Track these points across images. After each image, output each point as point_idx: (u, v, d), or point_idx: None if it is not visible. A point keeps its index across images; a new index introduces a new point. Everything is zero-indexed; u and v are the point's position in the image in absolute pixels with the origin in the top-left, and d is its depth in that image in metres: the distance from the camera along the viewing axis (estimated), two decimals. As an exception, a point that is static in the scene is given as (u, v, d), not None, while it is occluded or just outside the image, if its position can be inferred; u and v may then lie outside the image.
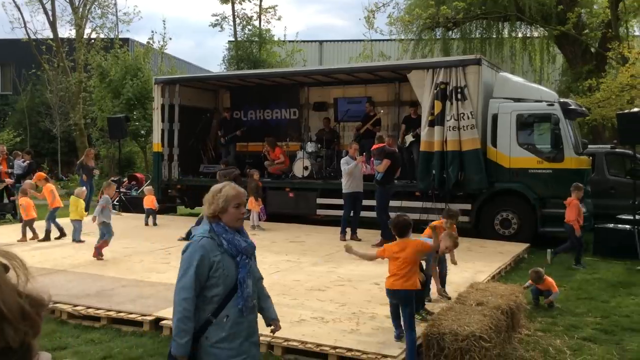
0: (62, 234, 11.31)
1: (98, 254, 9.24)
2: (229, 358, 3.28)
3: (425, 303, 6.35)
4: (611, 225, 11.24)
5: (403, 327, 5.23)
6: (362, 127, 14.66)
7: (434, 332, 5.02)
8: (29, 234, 11.15)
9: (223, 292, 3.28)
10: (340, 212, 12.04)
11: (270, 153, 15.26)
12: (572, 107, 12.08)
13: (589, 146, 13.63)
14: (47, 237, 11.21)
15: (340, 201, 11.98)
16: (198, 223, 6.47)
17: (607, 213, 12.39)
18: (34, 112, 30.33)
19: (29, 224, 11.19)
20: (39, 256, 9.52)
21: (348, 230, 11.52)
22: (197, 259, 3.24)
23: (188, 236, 11.09)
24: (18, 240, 11.03)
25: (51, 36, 28.67)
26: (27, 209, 11.21)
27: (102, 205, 9.53)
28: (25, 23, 31.16)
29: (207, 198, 3.46)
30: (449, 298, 6.70)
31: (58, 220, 11.55)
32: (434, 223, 6.50)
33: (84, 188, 12.63)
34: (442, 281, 7.07)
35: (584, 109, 13.73)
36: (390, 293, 5.26)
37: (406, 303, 5.14)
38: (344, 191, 11.51)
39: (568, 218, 9.83)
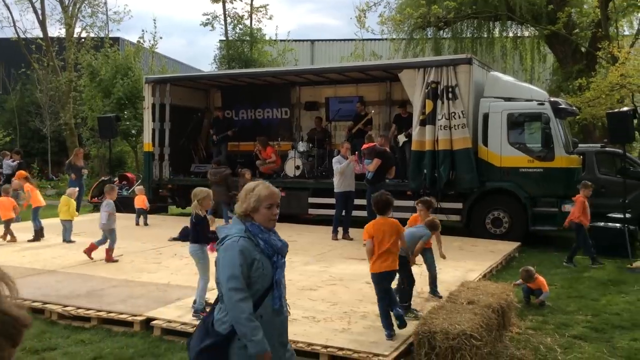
0: (41, 234, 11.25)
1: (111, 257, 9.12)
2: None
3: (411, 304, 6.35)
4: (602, 224, 11.30)
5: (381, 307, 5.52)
6: (354, 126, 14.68)
7: (425, 330, 5.02)
8: (8, 234, 11.01)
9: (261, 290, 3.23)
10: (332, 212, 12.04)
11: (262, 152, 15.24)
12: (563, 106, 12.14)
13: (580, 145, 13.69)
14: (37, 237, 11.14)
15: (332, 200, 11.98)
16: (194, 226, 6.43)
17: (598, 212, 12.43)
18: (24, 112, 30.17)
19: (5, 224, 11.10)
20: (29, 256, 9.46)
21: (340, 229, 11.52)
22: (240, 258, 3.18)
23: (180, 236, 11.04)
24: (7, 241, 10.94)
25: (41, 35, 28.53)
26: (4, 209, 11.10)
27: (108, 212, 9.26)
28: (14, 22, 31.10)
29: (240, 196, 3.41)
30: (441, 297, 6.70)
31: (44, 220, 11.48)
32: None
33: (76, 189, 12.56)
34: (433, 282, 7.07)
35: (574, 108, 13.79)
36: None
37: (378, 283, 5.54)
38: (335, 190, 11.51)
39: (572, 216, 9.81)
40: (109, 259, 9.08)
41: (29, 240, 11.04)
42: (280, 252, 3.32)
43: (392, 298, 5.68)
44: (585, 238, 9.86)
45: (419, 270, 6.93)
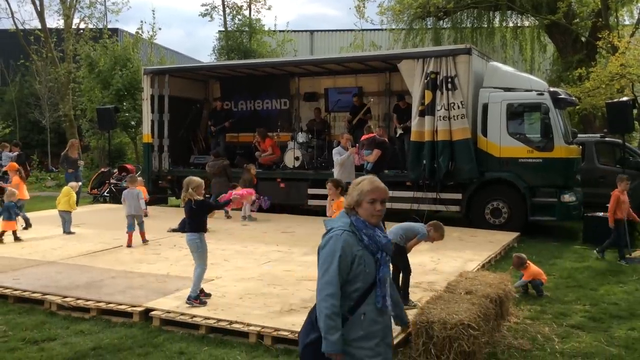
0: (28, 225, 11.39)
1: (144, 239, 9.98)
2: (366, 358, 3.14)
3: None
4: (601, 214, 11.28)
5: None
6: (353, 119, 14.66)
7: (423, 320, 5.03)
8: None
9: (362, 288, 3.14)
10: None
11: (261, 144, 15.23)
12: (562, 96, 12.11)
13: (579, 135, 13.68)
14: (27, 225, 11.35)
15: (331, 191, 11.95)
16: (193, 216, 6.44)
17: (597, 202, 12.45)
18: (23, 104, 30.13)
19: None
20: (29, 248, 9.48)
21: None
22: (339, 252, 3.09)
23: (180, 228, 11.06)
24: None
25: (39, 26, 28.40)
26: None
27: (142, 198, 10.16)
28: (12, 13, 31.10)
29: (349, 189, 3.36)
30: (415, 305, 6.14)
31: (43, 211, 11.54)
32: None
33: (79, 183, 12.67)
34: (405, 290, 6.42)
35: (573, 98, 13.76)
36: None
37: None
38: (335, 181, 11.49)
39: (610, 212, 9.60)
40: (143, 238, 10.01)
41: (24, 228, 11.17)
42: (384, 249, 3.23)
43: None
44: (620, 233, 9.59)
45: (417, 261, 6.94)
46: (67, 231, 10.86)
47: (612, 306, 6.91)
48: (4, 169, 12.92)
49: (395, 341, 5.15)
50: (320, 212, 13.52)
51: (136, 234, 9.85)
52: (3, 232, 10.13)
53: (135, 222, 9.87)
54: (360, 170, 11.70)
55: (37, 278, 7.37)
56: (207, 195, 14.19)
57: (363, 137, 11.12)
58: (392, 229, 6.42)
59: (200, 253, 6.38)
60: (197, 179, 6.47)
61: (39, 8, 27.92)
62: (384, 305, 3.19)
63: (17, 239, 10.12)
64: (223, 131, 16.26)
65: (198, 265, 6.35)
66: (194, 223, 6.40)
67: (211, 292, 6.54)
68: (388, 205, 10.99)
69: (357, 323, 3.14)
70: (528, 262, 7.52)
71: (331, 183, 7.20)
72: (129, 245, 9.63)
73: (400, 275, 6.30)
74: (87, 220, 12.21)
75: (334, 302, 3.06)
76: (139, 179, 14.06)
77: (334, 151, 11.61)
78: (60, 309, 6.39)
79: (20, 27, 29.02)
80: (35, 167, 26.45)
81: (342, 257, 3.09)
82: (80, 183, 12.31)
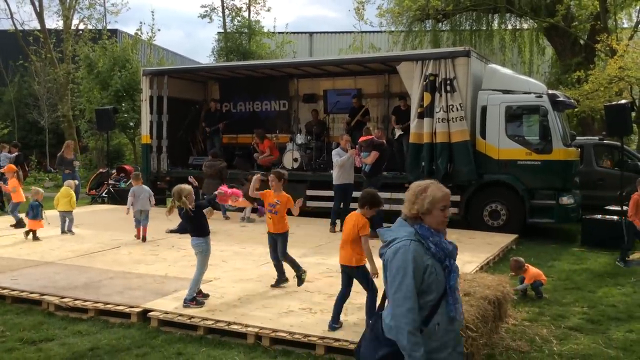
0: (21, 226, 11.45)
1: (144, 236, 10.29)
2: None
3: None
4: (599, 216, 11.32)
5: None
6: (352, 120, 14.67)
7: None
8: None
9: (435, 298, 3.05)
10: (329, 204, 12.04)
11: (259, 145, 15.22)
12: (561, 98, 12.13)
13: (577, 138, 13.70)
14: (19, 225, 11.44)
15: (330, 193, 11.98)
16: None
17: (595, 204, 12.48)
18: (22, 104, 30.10)
19: None
20: (27, 248, 9.47)
21: (338, 222, 11.52)
22: (412, 264, 2.98)
23: (179, 229, 11.04)
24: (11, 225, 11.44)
25: (38, 27, 28.40)
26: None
27: (151, 194, 10.70)
28: (11, 14, 31.10)
29: (407, 196, 3.21)
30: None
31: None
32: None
33: (75, 180, 12.74)
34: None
35: (572, 100, 13.78)
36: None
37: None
38: (334, 183, 11.51)
39: (629, 214, 9.49)
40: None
41: (11, 225, 11.43)
42: (451, 256, 3.13)
43: None
44: (631, 236, 9.51)
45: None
46: (69, 230, 10.91)
47: (610, 308, 6.91)
48: (2, 170, 12.94)
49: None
50: (319, 213, 13.56)
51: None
52: (30, 231, 10.29)
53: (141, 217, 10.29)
54: (358, 172, 11.72)
55: (35, 278, 7.36)
56: (204, 196, 14.23)
57: (361, 139, 11.11)
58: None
59: (204, 256, 6.39)
60: (187, 187, 6.49)
61: (38, 9, 27.95)
62: (457, 314, 3.11)
63: (35, 238, 10.23)
64: (217, 132, 16.26)
65: (198, 269, 6.35)
66: (197, 228, 6.41)
67: (209, 293, 6.55)
68: (386, 207, 11.12)
69: (432, 334, 3.05)
70: (526, 264, 7.52)
71: (274, 175, 7.19)
72: (141, 237, 10.18)
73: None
74: (86, 221, 12.20)
75: (414, 317, 2.96)
76: (139, 175, 14.15)
77: (333, 152, 11.62)
78: (58, 309, 6.38)
79: (19, 27, 29.03)
80: (33, 167, 26.42)
81: (415, 269, 2.98)
82: (76, 181, 12.32)
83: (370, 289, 5.51)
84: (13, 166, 12.82)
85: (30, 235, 10.23)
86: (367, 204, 5.58)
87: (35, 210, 10.34)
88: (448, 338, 3.09)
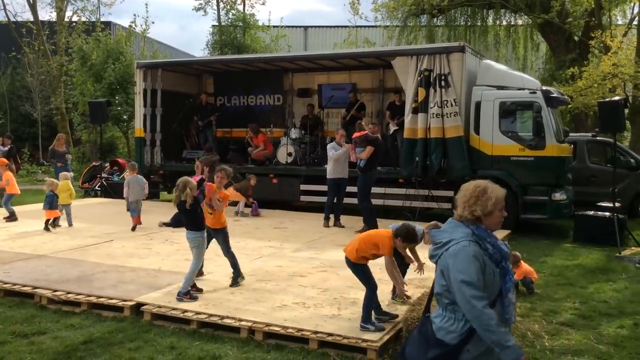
0: (13, 218, 11.54)
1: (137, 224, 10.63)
2: None
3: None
4: (591, 213, 11.37)
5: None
6: (348, 115, 14.67)
7: (414, 317, 5.06)
8: None
9: (491, 298, 3.02)
10: (323, 199, 12.05)
11: (254, 139, 15.21)
12: (554, 95, 12.15)
13: (571, 134, 13.74)
14: (12, 218, 11.48)
15: (324, 187, 11.98)
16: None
17: (588, 200, 12.53)
18: (15, 96, 29.93)
19: None
20: (19, 241, 9.43)
21: (332, 216, 11.54)
22: (475, 264, 2.97)
23: (172, 222, 11.03)
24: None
25: (31, 19, 28.21)
26: None
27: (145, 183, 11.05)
28: (4, 5, 30.85)
29: (463, 197, 3.17)
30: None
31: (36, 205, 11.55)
32: None
33: (70, 173, 12.74)
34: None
35: (566, 97, 13.81)
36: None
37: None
38: (328, 177, 11.51)
39: None
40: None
41: (4, 218, 11.40)
42: (507, 258, 3.12)
43: None
44: None
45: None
46: (70, 223, 10.91)
47: (601, 304, 6.96)
48: None
49: (386, 337, 5.19)
50: (313, 208, 13.57)
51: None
52: (47, 221, 10.46)
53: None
54: (352, 166, 11.72)
55: (28, 272, 7.34)
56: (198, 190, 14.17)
57: (355, 135, 11.10)
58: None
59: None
60: (193, 180, 6.48)
61: (31, 0, 27.73)
62: (511, 316, 3.09)
63: (46, 229, 10.41)
64: (210, 125, 16.23)
65: (193, 262, 6.35)
66: (193, 222, 6.40)
67: (203, 287, 6.55)
68: (380, 202, 11.18)
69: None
70: (523, 263, 7.55)
71: (223, 172, 7.13)
72: (136, 226, 10.49)
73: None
74: (78, 214, 12.14)
75: (492, 313, 2.94)
76: (134, 165, 14.16)
77: (328, 146, 11.62)
78: (50, 302, 6.36)
79: (12, 19, 28.84)
80: (26, 160, 26.30)
81: (477, 269, 2.98)
82: (71, 173, 12.32)
83: (370, 286, 5.51)
84: (4, 160, 12.77)
85: (50, 224, 10.50)
86: (402, 237, 5.51)
87: (51, 200, 10.53)
88: None
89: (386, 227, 6.46)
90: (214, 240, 7.00)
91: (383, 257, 5.64)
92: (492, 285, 3.03)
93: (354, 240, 5.75)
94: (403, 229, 5.54)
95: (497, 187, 3.16)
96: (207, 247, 6.74)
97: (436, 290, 3.17)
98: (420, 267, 5.98)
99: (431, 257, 3.20)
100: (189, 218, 6.42)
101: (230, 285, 6.78)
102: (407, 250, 5.99)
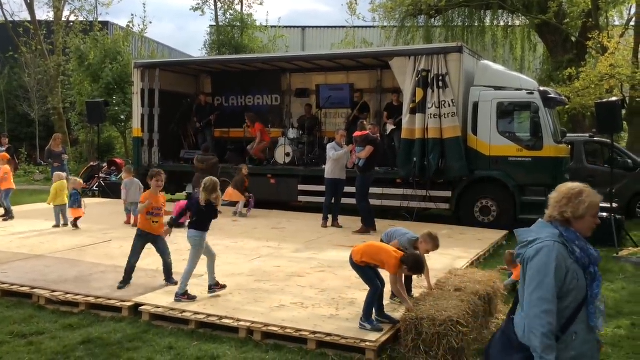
0: (10, 216, 11.53)
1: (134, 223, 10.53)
2: None
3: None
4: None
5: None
6: (351, 114, 14.69)
7: (412, 317, 5.07)
8: None
9: (574, 304, 2.93)
10: (321, 199, 12.06)
11: (251, 129, 15.19)
12: (552, 95, 12.18)
13: (568, 135, 13.77)
14: (8, 216, 11.50)
15: (322, 188, 11.99)
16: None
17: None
18: (12, 96, 29.88)
19: None
20: (17, 241, 9.41)
21: (330, 217, 11.54)
22: (554, 265, 2.88)
23: (171, 222, 11.02)
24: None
25: (29, 18, 28.16)
26: None
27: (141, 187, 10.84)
28: (1, 5, 30.56)
29: (556, 198, 3.10)
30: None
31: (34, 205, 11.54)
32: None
33: (63, 173, 12.65)
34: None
35: (563, 97, 13.85)
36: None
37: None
38: (326, 176, 11.49)
39: None
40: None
41: (1, 217, 11.42)
42: (595, 263, 3.02)
43: None
44: None
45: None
46: (66, 223, 10.92)
47: (599, 304, 6.96)
48: None
49: (384, 338, 5.19)
50: (311, 208, 13.57)
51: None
52: (76, 219, 10.61)
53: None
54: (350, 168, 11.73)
55: (26, 272, 7.33)
56: (195, 190, 14.17)
57: (356, 133, 11.10)
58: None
59: (197, 250, 6.38)
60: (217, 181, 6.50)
61: (28, 0, 27.67)
62: (598, 323, 2.98)
63: (75, 226, 10.58)
64: (209, 125, 16.22)
65: (189, 263, 6.35)
66: (200, 222, 6.40)
67: (200, 288, 6.52)
68: (377, 202, 11.21)
69: (568, 343, 2.93)
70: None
71: (160, 177, 7.37)
72: (131, 223, 10.62)
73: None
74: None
75: (551, 320, 2.85)
76: (130, 169, 14.12)
77: (328, 146, 11.62)
78: (48, 303, 6.35)
79: (9, 18, 28.75)
80: (23, 160, 26.25)
81: (557, 270, 2.88)
82: (63, 173, 12.26)
83: (372, 286, 5.51)
84: (6, 154, 12.78)
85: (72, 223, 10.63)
86: (408, 266, 5.39)
87: (75, 199, 10.64)
88: (586, 349, 2.98)
89: (388, 230, 6.46)
90: (214, 243, 6.98)
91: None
92: (576, 290, 2.93)
93: (365, 244, 5.71)
94: (412, 259, 5.39)
95: (593, 193, 3.08)
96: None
97: (520, 291, 3.11)
98: (430, 288, 6.01)
99: (517, 256, 3.15)
100: (202, 218, 6.41)
101: (165, 280, 6.84)
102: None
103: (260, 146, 15.07)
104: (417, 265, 5.40)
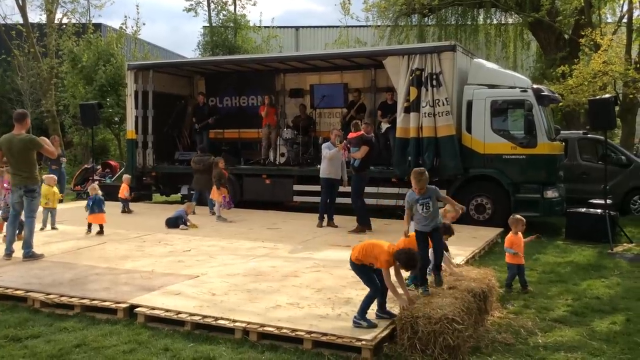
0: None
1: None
2: None
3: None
4: (583, 210, 11.43)
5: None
6: (348, 114, 14.69)
7: (408, 315, 5.07)
8: None
9: None
10: (317, 199, 12.05)
11: (261, 107, 15.36)
12: (545, 93, 12.22)
13: (562, 132, 13.82)
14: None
15: (317, 187, 11.99)
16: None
17: (579, 198, 12.60)
18: (5, 99, 29.73)
19: None
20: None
21: (326, 216, 11.53)
22: None
23: (167, 223, 11.01)
24: None
25: (21, 21, 28.01)
26: None
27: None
28: (-6, 8, 30.44)
29: None
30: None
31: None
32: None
33: (53, 175, 12.59)
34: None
35: (557, 95, 13.89)
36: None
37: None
38: (321, 175, 11.47)
39: None
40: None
41: None
42: None
43: None
44: None
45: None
46: (53, 226, 10.84)
47: (594, 300, 7.00)
48: None
49: (381, 336, 5.20)
50: (306, 208, 13.57)
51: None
52: (101, 226, 10.40)
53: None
54: (347, 166, 11.73)
55: (20, 275, 7.30)
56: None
57: (351, 135, 11.09)
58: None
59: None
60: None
61: (20, 2, 27.48)
62: None
63: (101, 232, 10.34)
64: (207, 127, 16.21)
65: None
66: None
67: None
68: (373, 201, 11.21)
69: None
70: (520, 233, 7.57)
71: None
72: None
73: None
74: (71, 217, 12.11)
75: None
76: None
77: (323, 145, 11.64)
78: (43, 306, 6.33)
79: (1, 21, 28.64)
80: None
81: None
82: (53, 176, 12.13)
83: (374, 286, 5.50)
84: None
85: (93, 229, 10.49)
86: (401, 263, 5.34)
87: (98, 205, 10.41)
88: None
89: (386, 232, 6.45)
90: (209, 244, 6.97)
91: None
92: None
93: (362, 243, 5.68)
94: (404, 255, 5.32)
95: None
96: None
97: None
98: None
99: None
100: None
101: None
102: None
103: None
104: (409, 262, 5.38)
